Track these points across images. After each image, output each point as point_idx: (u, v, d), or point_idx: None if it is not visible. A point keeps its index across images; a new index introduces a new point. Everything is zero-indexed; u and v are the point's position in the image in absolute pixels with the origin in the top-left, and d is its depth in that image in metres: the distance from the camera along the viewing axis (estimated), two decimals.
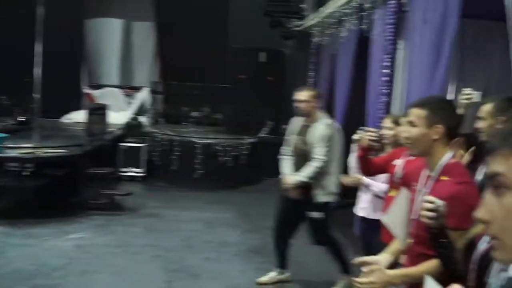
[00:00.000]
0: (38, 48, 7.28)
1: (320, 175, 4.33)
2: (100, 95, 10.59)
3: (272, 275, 4.80)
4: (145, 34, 11.49)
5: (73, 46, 10.87)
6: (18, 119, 9.08)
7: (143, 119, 9.80)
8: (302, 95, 4.43)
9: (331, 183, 4.43)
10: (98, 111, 8.28)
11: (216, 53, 10.50)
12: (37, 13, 7.17)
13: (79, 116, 9.67)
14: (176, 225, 6.52)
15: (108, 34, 11.37)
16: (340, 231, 6.38)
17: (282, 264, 4.84)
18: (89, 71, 11.22)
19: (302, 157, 4.45)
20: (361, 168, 3.49)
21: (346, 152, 4.84)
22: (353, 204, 4.37)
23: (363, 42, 6.21)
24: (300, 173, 4.37)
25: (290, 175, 4.46)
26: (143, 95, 10.69)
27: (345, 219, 6.54)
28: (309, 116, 4.45)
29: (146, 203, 7.52)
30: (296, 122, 4.65)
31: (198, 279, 4.86)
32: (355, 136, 3.45)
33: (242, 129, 9.25)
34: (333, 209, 4.59)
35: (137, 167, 8.79)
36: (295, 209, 4.54)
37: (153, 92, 10.78)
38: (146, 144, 9.04)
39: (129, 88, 11.01)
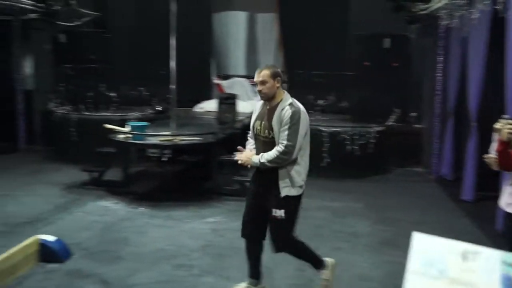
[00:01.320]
0: (172, 42, 7.72)
1: (284, 162, 3.78)
2: (228, 85, 11.03)
3: (242, 286, 4.30)
4: (268, 25, 11.70)
5: (203, 39, 11.41)
6: (156, 108, 9.76)
7: None
8: (258, 75, 3.84)
9: (298, 173, 3.86)
10: (228, 101, 8.59)
11: (339, 41, 10.41)
12: (170, 9, 7.61)
13: (209, 106, 10.18)
14: (305, 213, 6.44)
15: (233, 27, 11.74)
16: (479, 226, 6.08)
17: (254, 273, 4.28)
18: (217, 63, 11.72)
19: (261, 143, 3.93)
20: (500, 163, 3.24)
21: (484, 142, 4.56)
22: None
23: (497, 24, 5.84)
24: (262, 155, 3.83)
25: (250, 154, 3.96)
26: None
27: (485, 213, 6.18)
28: (269, 99, 3.89)
29: None
30: (258, 105, 4.10)
31: None
32: (496, 125, 3.26)
33: (368, 117, 9.11)
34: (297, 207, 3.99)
35: None
36: (263, 203, 3.96)
37: None
38: None
39: None
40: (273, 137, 3.81)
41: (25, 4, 9.79)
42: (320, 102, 9.45)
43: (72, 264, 4.84)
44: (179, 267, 4.85)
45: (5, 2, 9.15)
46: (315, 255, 4.15)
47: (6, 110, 10.24)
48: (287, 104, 3.79)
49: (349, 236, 5.78)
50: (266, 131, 3.85)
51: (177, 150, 8.34)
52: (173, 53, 7.72)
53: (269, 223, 3.95)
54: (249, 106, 10.04)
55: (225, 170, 7.58)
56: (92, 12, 11.74)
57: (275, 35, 11.50)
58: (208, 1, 11.49)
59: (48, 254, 4.82)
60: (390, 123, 9.16)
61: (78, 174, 7.85)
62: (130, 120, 8.33)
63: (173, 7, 7.54)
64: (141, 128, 7.22)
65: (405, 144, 9.14)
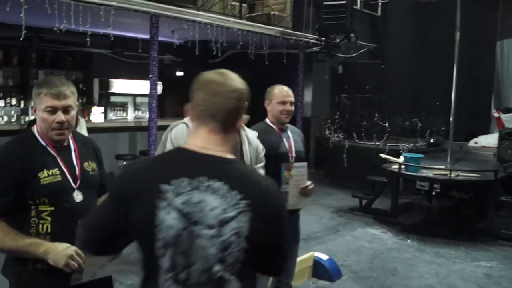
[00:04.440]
0: (454, 72, 7.45)
1: None
2: (510, 120, 10.13)
3: None
4: None
5: (484, 68, 10.79)
6: (429, 140, 9.54)
7: None
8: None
9: None
10: (510, 137, 7.91)
11: None
12: (456, 38, 7.37)
13: (486, 140, 9.52)
14: None
15: None
16: None
17: None
18: (498, 94, 10.90)
19: None
20: None
21: None
22: None
23: None
24: None
25: None
26: None
27: None
28: None
29: None
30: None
31: None
32: None
33: None
34: None
35: None
36: None
37: None
38: None
39: None
40: None
41: (309, 39, 10.74)
42: None
43: (341, 284, 5.05)
44: None
45: (294, 38, 10.20)
46: None
47: None
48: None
49: None
50: None
51: (447, 185, 8.01)
52: (453, 84, 7.45)
53: None
54: None
55: (503, 211, 6.96)
56: (369, 44, 12.24)
57: None
58: (494, 28, 10.82)
59: (321, 271, 5.12)
60: None
61: (347, 199, 8.17)
62: (401, 150, 8.32)
63: (457, 36, 7.31)
64: (416, 160, 7.13)
65: None
